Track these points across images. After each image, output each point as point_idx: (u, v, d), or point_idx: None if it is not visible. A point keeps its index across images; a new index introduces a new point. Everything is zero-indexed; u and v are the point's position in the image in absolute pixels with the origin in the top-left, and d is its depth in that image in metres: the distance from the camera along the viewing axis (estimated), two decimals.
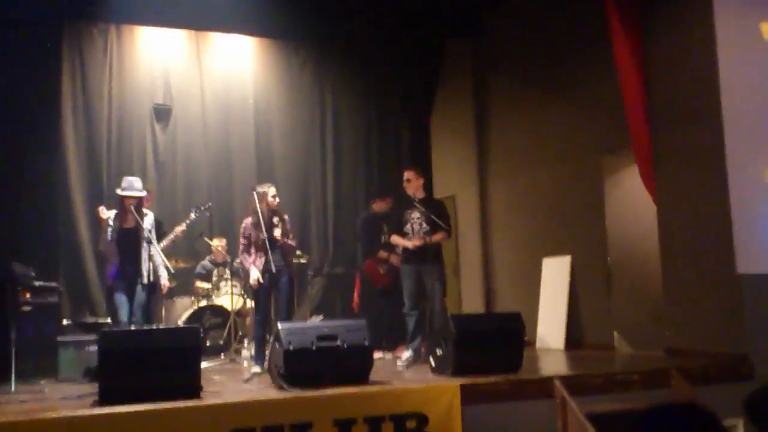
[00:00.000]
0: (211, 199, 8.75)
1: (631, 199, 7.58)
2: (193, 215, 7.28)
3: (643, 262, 7.47)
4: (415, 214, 6.88)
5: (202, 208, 7.47)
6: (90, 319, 7.45)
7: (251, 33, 9.73)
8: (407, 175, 7.03)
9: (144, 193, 6.56)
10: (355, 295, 8.37)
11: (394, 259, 7.66)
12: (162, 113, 9.19)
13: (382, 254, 7.91)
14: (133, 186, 6.44)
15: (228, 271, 8.09)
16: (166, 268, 6.50)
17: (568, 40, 8.29)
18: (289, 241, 6.68)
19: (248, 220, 6.61)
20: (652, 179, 6.89)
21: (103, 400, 4.53)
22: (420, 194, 6.99)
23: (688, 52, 6.62)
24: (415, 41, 10.25)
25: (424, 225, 6.82)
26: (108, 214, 6.40)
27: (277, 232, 6.51)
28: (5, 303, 6.05)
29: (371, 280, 8.03)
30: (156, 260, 6.45)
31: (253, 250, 6.54)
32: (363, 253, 8.25)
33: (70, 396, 5.19)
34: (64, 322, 7.20)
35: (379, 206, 8.29)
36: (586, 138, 8.05)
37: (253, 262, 6.49)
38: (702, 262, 6.43)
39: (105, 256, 6.46)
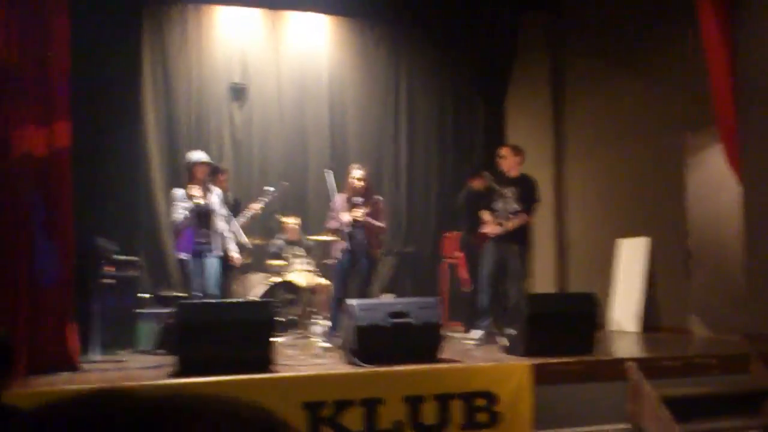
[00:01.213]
0: (286, 176, 8.86)
1: (713, 180, 7.32)
2: (269, 190, 7.38)
3: (724, 244, 7.22)
4: (505, 191, 6.79)
5: (278, 186, 7.55)
6: (167, 293, 7.67)
7: (326, 11, 9.76)
8: (502, 151, 6.99)
9: (208, 159, 6.77)
10: (465, 273, 8.11)
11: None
12: (239, 92, 9.33)
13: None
14: (201, 156, 6.71)
15: (301, 249, 8.20)
16: (243, 243, 6.67)
17: (648, 15, 8.03)
18: (377, 223, 6.73)
19: (336, 197, 6.79)
20: (737, 159, 6.63)
21: (181, 370, 4.67)
22: (514, 172, 6.88)
23: None
24: (490, 16, 10.10)
25: (512, 204, 6.72)
26: (180, 192, 6.58)
27: (358, 213, 6.58)
28: (89, 276, 6.27)
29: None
30: (227, 234, 6.65)
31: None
32: (467, 230, 7.87)
33: (148, 366, 5.38)
34: (144, 295, 7.43)
35: (477, 184, 7.93)
36: (666, 116, 7.82)
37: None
38: None
39: (178, 230, 6.63)
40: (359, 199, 6.65)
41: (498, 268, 6.73)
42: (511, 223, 6.64)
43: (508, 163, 6.88)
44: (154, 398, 0.65)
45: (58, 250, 5.19)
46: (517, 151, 7.01)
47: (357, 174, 6.73)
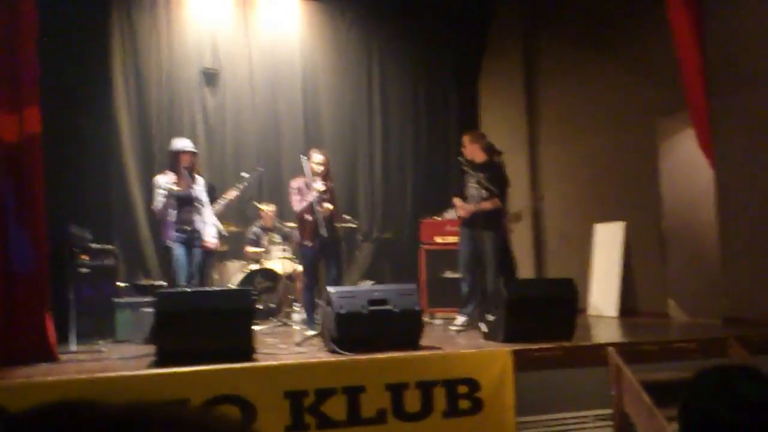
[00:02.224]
0: (260, 162, 8.80)
1: (686, 164, 7.37)
2: (245, 176, 7.29)
3: (699, 228, 7.28)
4: (472, 179, 6.81)
5: (254, 172, 7.45)
6: (145, 281, 7.58)
7: None
8: (464, 139, 7.03)
9: (193, 148, 6.75)
10: None
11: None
12: (211, 77, 9.20)
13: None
14: (186, 143, 6.67)
15: (278, 236, 8.15)
16: (219, 231, 6.63)
17: (620, 0, 8.05)
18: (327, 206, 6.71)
19: (295, 181, 6.74)
20: (709, 143, 6.67)
21: (160, 360, 4.61)
22: (479, 158, 6.90)
23: (747, 12, 6.36)
24: (463, 0, 10.08)
25: (481, 189, 6.75)
26: (163, 179, 6.51)
27: (321, 186, 6.56)
28: (63, 264, 6.17)
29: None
30: (207, 221, 6.61)
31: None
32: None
33: (127, 356, 5.30)
34: (120, 284, 7.33)
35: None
36: (639, 101, 7.85)
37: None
38: (761, 229, 6.25)
39: (161, 218, 6.56)
40: (319, 183, 6.62)
41: (473, 255, 6.75)
42: (482, 205, 6.66)
43: (469, 151, 6.91)
44: (121, 409, 0.63)
45: (30, 237, 5.10)
46: (474, 137, 7.06)
47: (317, 158, 6.70)
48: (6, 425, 0.62)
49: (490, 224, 6.72)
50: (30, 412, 0.62)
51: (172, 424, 0.62)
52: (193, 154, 6.71)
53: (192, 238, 6.52)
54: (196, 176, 6.69)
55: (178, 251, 6.45)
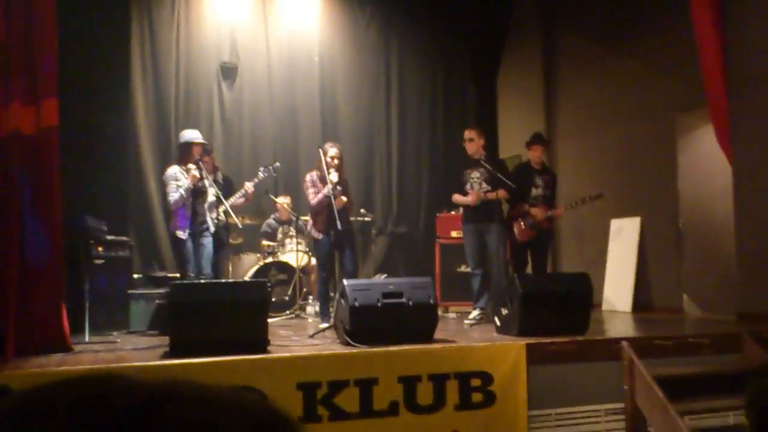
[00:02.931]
0: (277, 156, 8.80)
1: (704, 160, 7.32)
2: (261, 174, 7.29)
3: (715, 224, 7.24)
4: (475, 174, 6.82)
5: (271, 168, 7.45)
6: (159, 273, 7.62)
7: None
8: (469, 134, 6.98)
9: (201, 139, 6.77)
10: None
11: (537, 212, 7.06)
12: (228, 71, 9.23)
13: (523, 207, 7.17)
14: (196, 135, 6.70)
15: (293, 229, 8.17)
16: (234, 224, 6.66)
17: None
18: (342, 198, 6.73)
19: (309, 174, 6.76)
20: (727, 140, 6.62)
21: (173, 351, 4.64)
22: (481, 153, 6.91)
23: None
24: None
25: (484, 185, 6.78)
26: (175, 170, 6.53)
27: (335, 177, 6.57)
28: (79, 256, 6.21)
29: (514, 235, 7.26)
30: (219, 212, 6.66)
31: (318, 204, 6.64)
32: (510, 204, 7.40)
33: (140, 347, 5.34)
34: (135, 275, 7.38)
35: (533, 155, 7.42)
36: (658, 96, 7.80)
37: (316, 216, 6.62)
38: None
39: (175, 209, 6.56)
40: (334, 174, 6.64)
41: (480, 249, 6.76)
42: (497, 194, 6.67)
43: (475, 145, 6.89)
44: (151, 383, 0.62)
45: (46, 229, 5.13)
46: (481, 132, 7.09)
47: (333, 152, 6.72)
48: (39, 393, 0.61)
49: (497, 217, 6.71)
50: (45, 386, 0.62)
51: (205, 398, 0.62)
52: (203, 145, 6.72)
53: (203, 230, 6.54)
54: (202, 167, 6.68)
55: (189, 243, 6.46)
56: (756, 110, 6.42)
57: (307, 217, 7.30)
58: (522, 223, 7.04)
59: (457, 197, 6.98)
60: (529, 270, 7.21)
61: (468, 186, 6.84)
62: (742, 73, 6.53)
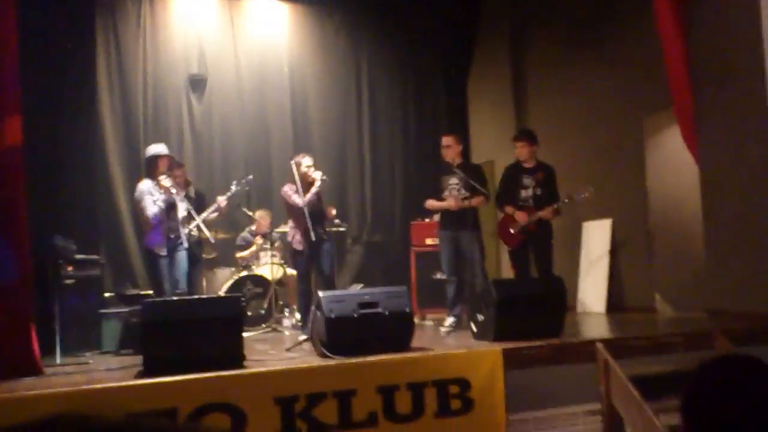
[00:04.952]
0: (249, 168, 8.75)
1: (672, 160, 7.42)
2: (233, 188, 7.23)
3: (684, 223, 7.33)
4: (453, 180, 6.82)
5: (244, 181, 7.39)
6: (131, 291, 7.53)
7: None
8: (447, 141, 6.95)
9: (167, 152, 6.69)
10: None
11: (520, 217, 6.84)
12: (197, 83, 9.17)
13: (508, 209, 6.96)
14: (162, 148, 6.63)
15: (268, 242, 8.12)
16: (206, 239, 6.60)
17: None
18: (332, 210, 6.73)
19: (288, 186, 6.67)
20: (693, 138, 6.72)
21: (147, 370, 4.58)
22: (458, 160, 6.93)
23: (730, 10, 6.41)
24: (450, 1, 10.09)
25: (462, 191, 6.76)
26: (147, 185, 6.44)
27: (320, 176, 6.54)
28: (48, 276, 6.12)
29: (503, 240, 7.21)
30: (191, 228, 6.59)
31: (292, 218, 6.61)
32: (498, 205, 7.25)
33: (114, 367, 5.27)
34: (106, 294, 7.28)
35: (519, 152, 7.16)
36: (625, 99, 7.89)
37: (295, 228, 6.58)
38: (745, 223, 6.29)
39: (151, 224, 6.46)
40: (318, 173, 6.62)
41: (456, 256, 6.75)
42: (471, 202, 6.67)
43: (453, 151, 6.90)
44: (113, 425, 0.62)
45: (13, 248, 5.05)
46: (458, 139, 7.08)
47: (308, 161, 6.69)
48: None
49: (473, 224, 6.72)
50: (19, 427, 0.61)
51: None
52: (169, 158, 6.66)
53: (176, 245, 6.45)
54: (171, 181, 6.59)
55: (165, 259, 6.39)
56: (720, 106, 6.52)
57: (285, 228, 7.27)
58: (511, 229, 6.93)
59: (432, 203, 6.95)
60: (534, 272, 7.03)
61: (446, 192, 6.83)
62: (705, 69, 6.63)
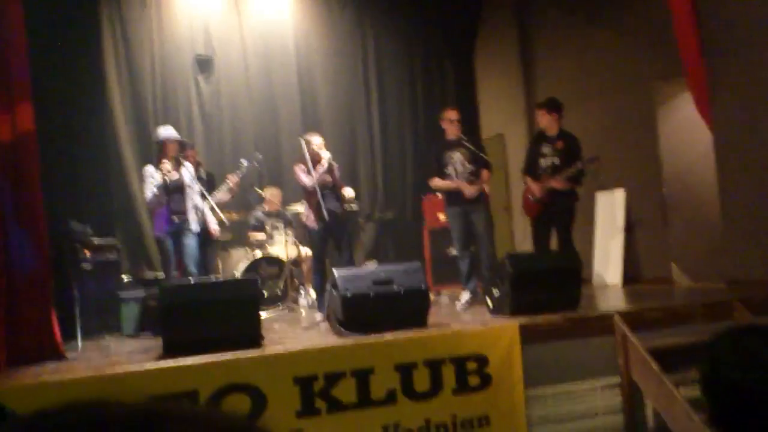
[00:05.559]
0: (258, 146, 8.75)
1: (685, 127, 7.33)
2: (243, 165, 7.23)
3: (699, 191, 7.27)
4: (456, 155, 6.73)
5: (254, 161, 7.37)
6: (149, 274, 7.57)
7: None
8: (453, 114, 6.87)
9: (177, 135, 6.66)
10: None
11: (533, 186, 6.80)
12: (204, 64, 9.13)
13: (526, 179, 6.95)
14: (171, 132, 6.56)
15: (281, 221, 8.12)
16: (221, 220, 6.59)
17: None
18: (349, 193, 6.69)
19: (298, 165, 6.64)
20: (706, 106, 6.63)
21: (167, 352, 4.62)
22: (457, 134, 6.83)
23: None
24: None
25: (467, 165, 6.69)
26: (151, 169, 6.43)
27: (328, 155, 6.52)
28: (66, 261, 6.16)
29: (525, 210, 7.09)
30: (203, 209, 6.56)
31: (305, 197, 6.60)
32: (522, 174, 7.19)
33: (134, 350, 5.31)
34: (124, 277, 7.32)
35: (540, 121, 7.10)
36: (636, 67, 7.79)
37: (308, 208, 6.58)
38: (761, 191, 6.23)
39: (152, 208, 6.48)
40: (326, 154, 6.58)
41: (466, 232, 6.71)
42: (482, 181, 6.64)
43: (456, 126, 6.80)
44: (132, 411, 0.62)
45: (31, 237, 5.08)
46: (458, 113, 6.94)
47: (318, 140, 6.66)
48: (13, 429, 0.60)
49: (479, 198, 6.68)
50: (39, 415, 0.61)
51: (184, 423, 0.61)
52: (179, 142, 6.64)
53: (184, 228, 6.37)
54: (185, 163, 6.56)
55: (168, 242, 6.36)
56: (733, 75, 6.44)
57: (298, 207, 7.25)
58: (530, 197, 6.85)
59: (437, 182, 6.83)
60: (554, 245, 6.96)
61: (450, 168, 6.75)
62: (717, 37, 6.54)
